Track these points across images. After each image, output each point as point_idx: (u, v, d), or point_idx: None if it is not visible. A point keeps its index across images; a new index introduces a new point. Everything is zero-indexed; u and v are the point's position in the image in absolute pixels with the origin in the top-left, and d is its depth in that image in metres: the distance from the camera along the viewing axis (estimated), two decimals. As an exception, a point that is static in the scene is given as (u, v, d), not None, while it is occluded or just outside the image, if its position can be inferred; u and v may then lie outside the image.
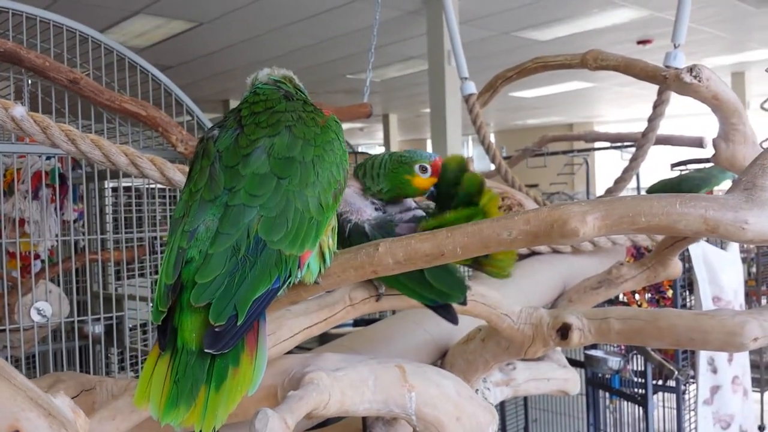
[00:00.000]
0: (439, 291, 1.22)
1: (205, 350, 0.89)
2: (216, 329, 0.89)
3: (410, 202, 1.35)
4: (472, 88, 3.72)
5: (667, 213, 0.84)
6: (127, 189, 3.93)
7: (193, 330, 0.91)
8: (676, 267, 2.05)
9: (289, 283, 0.99)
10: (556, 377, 1.95)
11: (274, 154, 1.01)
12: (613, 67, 1.52)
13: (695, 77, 1.28)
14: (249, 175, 0.99)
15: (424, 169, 1.33)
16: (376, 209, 1.29)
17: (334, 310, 1.28)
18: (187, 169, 2.04)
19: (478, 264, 1.25)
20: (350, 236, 1.24)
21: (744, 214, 0.83)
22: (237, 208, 0.96)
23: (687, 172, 4.20)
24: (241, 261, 0.93)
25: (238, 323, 0.90)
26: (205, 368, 0.89)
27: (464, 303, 1.26)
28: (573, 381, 1.97)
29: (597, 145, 6.35)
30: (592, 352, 3.71)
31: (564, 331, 1.44)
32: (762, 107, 4.51)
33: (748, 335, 1.21)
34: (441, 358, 1.74)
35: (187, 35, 9.47)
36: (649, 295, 3.54)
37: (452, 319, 1.28)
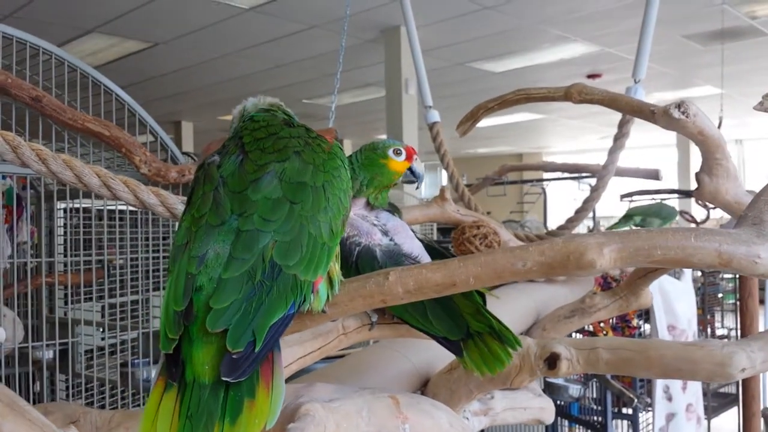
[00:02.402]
0: (438, 329, 1.23)
1: (222, 378, 0.85)
2: (234, 356, 0.86)
3: (410, 231, 1.34)
4: (436, 116, 3.77)
5: (683, 247, 0.85)
6: (78, 211, 3.82)
7: (205, 362, 0.88)
8: (647, 297, 2.09)
9: (303, 309, 0.98)
10: (532, 406, 1.95)
11: (286, 178, 0.99)
12: (598, 101, 1.55)
13: (683, 113, 1.32)
14: (261, 200, 0.97)
15: (398, 152, 1.39)
16: (384, 234, 1.29)
17: (327, 339, 1.26)
18: (159, 191, 2.01)
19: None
20: (359, 258, 1.24)
21: (756, 249, 0.85)
22: (250, 233, 0.94)
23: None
24: (258, 286, 0.91)
25: (256, 349, 0.87)
26: (219, 402, 0.86)
27: (465, 338, 1.25)
28: (549, 410, 1.97)
29: (550, 175, 6.48)
30: (553, 380, 3.74)
31: (552, 361, 1.44)
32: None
33: (737, 366, 1.23)
34: (422, 387, 1.73)
35: (140, 55, 9.34)
36: (613, 321, 3.60)
37: (457, 351, 1.27)
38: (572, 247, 0.88)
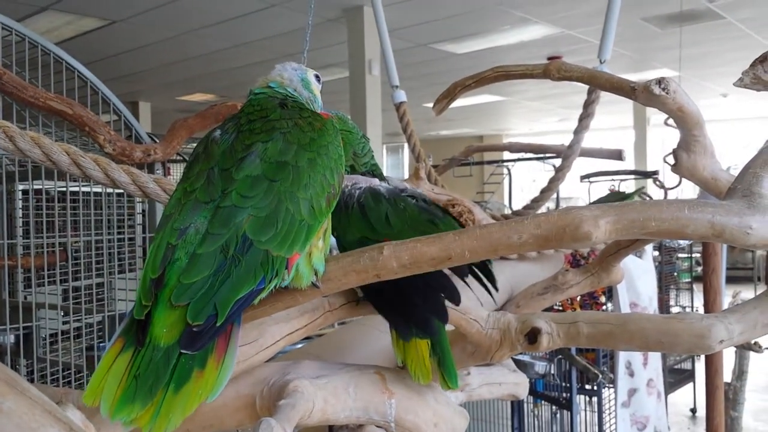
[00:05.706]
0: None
1: (182, 351, 0.86)
2: (194, 329, 0.86)
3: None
4: (402, 96, 3.76)
5: (677, 218, 0.86)
6: (39, 192, 3.72)
7: (165, 326, 0.88)
8: (618, 273, 2.12)
9: (275, 285, 0.97)
10: (507, 381, 1.97)
11: (267, 158, 0.99)
12: (577, 78, 1.56)
13: (663, 89, 1.33)
14: (241, 178, 0.97)
15: None
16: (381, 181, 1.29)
17: (314, 315, 1.25)
18: (131, 169, 1.97)
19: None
20: (362, 196, 1.23)
21: (748, 220, 0.87)
22: (228, 209, 0.95)
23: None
24: (230, 260, 0.91)
25: (218, 323, 0.87)
26: (170, 367, 0.86)
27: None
28: (523, 385, 1.99)
29: (515, 156, 6.54)
30: (520, 357, 3.79)
31: (532, 336, 1.46)
32: (666, 123, 4.78)
33: (715, 338, 1.25)
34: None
35: (97, 33, 9.11)
36: (580, 298, 3.66)
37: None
38: (568, 219, 0.88)
